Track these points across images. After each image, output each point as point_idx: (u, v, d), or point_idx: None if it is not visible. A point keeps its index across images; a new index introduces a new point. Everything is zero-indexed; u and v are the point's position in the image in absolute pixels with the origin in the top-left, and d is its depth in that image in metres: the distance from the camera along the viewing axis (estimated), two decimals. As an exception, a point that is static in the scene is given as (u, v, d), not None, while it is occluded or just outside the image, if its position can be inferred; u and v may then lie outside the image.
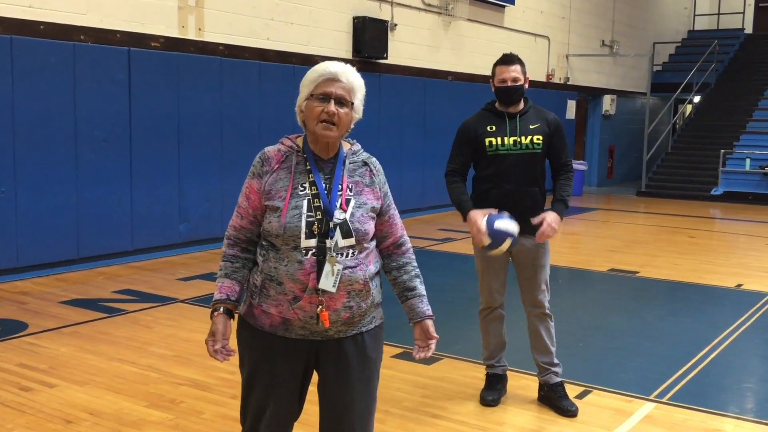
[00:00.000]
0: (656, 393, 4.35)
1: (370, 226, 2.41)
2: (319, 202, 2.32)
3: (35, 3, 6.87)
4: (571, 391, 4.19)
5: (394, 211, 2.53)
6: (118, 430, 3.70)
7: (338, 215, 2.33)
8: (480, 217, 3.65)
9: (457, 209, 3.90)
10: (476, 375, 4.56)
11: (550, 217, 3.88)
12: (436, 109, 12.11)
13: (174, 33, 8.06)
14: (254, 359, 2.41)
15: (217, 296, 2.41)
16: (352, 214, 2.35)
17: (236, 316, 2.48)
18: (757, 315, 6.19)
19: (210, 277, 7.18)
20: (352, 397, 2.41)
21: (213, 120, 8.49)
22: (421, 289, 2.55)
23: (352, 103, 2.37)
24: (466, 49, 12.76)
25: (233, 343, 2.41)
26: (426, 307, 2.54)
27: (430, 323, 2.54)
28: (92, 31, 7.30)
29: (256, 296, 2.38)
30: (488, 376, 4.24)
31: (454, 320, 5.81)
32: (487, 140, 3.94)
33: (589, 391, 4.32)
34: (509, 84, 3.93)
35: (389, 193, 2.52)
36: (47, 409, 3.93)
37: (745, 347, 5.38)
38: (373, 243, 2.46)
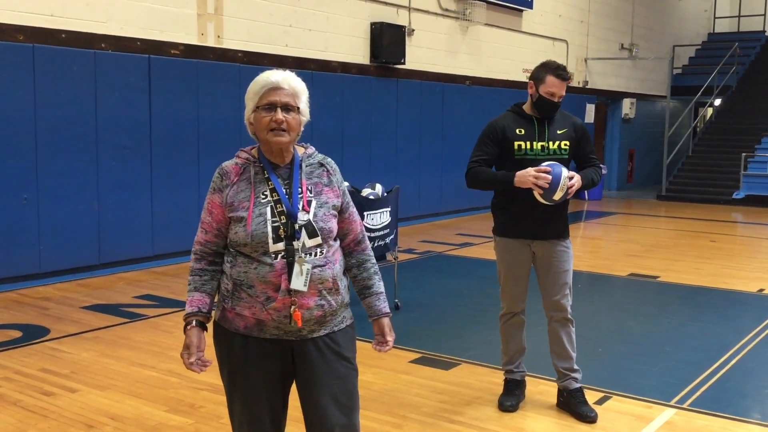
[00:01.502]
0: (677, 399, 4.31)
1: (334, 224, 2.48)
2: (282, 207, 2.39)
3: (57, 12, 6.96)
4: (591, 396, 4.16)
5: (353, 209, 2.60)
6: (139, 435, 3.73)
7: (302, 217, 2.40)
8: (531, 172, 3.70)
9: (499, 182, 3.86)
10: (494, 380, 4.55)
11: (575, 178, 3.86)
12: (454, 114, 12.11)
13: (193, 40, 8.14)
14: (232, 361, 2.46)
15: (188, 309, 2.46)
16: (315, 214, 2.42)
17: (210, 325, 2.53)
18: (780, 320, 6.12)
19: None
20: (331, 393, 2.45)
21: (232, 126, 8.54)
22: (379, 286, 2.62)
23: (298, 108, 2.43)
24: (484, 54, 12.75)
25: (209, 354, 2.45)
26: (383, 305, 2.62)
27: (386, 321, 2.61)
28: (113, 39, 7.38)
29: (228, 300, 2.43)
30: (507, 382, 4.23)
31: (473, 325, 5.80)
32: (516, 143, 3.90)
33: (609, 397, 4.30)
34: (556, 99, 3.88)
35: (347, 191, 2.60)
36: (69, 413, 3.97)
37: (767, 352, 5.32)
38: (338, 242, 2.53)
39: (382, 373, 4.68)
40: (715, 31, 21.77)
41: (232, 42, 8.55)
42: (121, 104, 7.46)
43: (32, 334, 5.42)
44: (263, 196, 2.40)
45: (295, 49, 9.29)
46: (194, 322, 2.44)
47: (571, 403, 4.04)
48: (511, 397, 4.14)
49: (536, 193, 3.76)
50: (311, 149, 2.56)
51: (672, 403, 4.25)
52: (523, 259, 4.02)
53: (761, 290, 7.27)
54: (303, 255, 2.36)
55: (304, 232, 2.38)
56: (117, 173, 7.47)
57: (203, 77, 8.19)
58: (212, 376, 4.54)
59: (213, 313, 2.51)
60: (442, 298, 6.68)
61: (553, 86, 3.86)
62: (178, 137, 8.00)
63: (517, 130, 3.93)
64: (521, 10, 13.41)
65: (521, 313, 4.13)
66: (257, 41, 8.82)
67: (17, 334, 5.42)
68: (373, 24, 10.35)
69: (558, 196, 3.73)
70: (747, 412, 4.17)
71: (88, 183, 7.25)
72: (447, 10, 11.79)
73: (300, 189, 2.43)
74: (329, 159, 2.58)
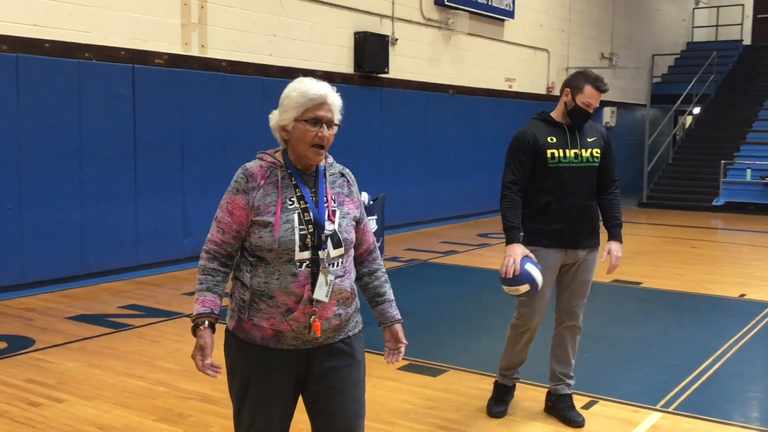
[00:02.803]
0: (662, 403, 4.36)
1: (353, 235, 2.49)
2: (310, 215, 2.37)
3: (40, 21, 6.94)
4: (578, 401, 4.20)
5: (367, 219, 2.61)
6: (128, 444, 3.72)
7: (328, 227, 2.39)
8: (519, 254, 3.67)
9: (504, 231, 3.80)
10: (482, 386, 4.58)
11: (615, 250, 3.94)
12: (438, 123, 12.17)
13: (177, 50, 8.13)
14: (246, 373, 2.41)
15: (200, 310, 2.39)
16: (339, 225, 2.42)
17: (222, 330, 2.50)
18: (761, 324, 6.20)
19: (215, 291, 7.20)
20: (344, 400, 2.46)
21: (216, 135, 8.55)
22: (390, 294, 2.63)
23: (336, 124, 2.44)
24: (467, 63, 12.84)
25: (217, 358, 2.41)
26: (395, 312, 2.62)
27: (399, 327, 2.61)
28: (96, 49, 7.36)
29: (245, 311, 2.39)
30: (498, 386, 4.21)
31: (460, 332, 5.82)
32: (549, 152, 3.84)
33: (596, 402, 4.33)
34: (591, 110, 3.88)
35: (362, 202, 2.62)
36: (56, 424, 3.94)
37: (750, 356, 5.39)
38: (353, 252, 2.54)
39: (371, 380, 4.65)
40: (694, 40, 22.05)
41: (217, 51, 8.55)
42: (105, 114, 7.44)
43: (17, 344, 5.38)
44: (290, 203, 2.38)
45: (280, 58, 9.31)
46: (206, 323, 2.38)
47: (559, 408, 4.07)
48: (501, 403, 4.16)
49: (501, 270, 3.72)
50: (330, 158, 2.55)
51: (658, 407, 4.30)
52: (552, 272, 3.93)
53: (743, 295, 7.37)
54: (327, 265, 2.36)
55: (329, 242, 2.37)
56: (101, 183, 7.44)
57: (187, 87, 8.18)
58: (201, 385, 4.55)
59: (228, 322, 2.47)
60: (429, 305, 6.70)
61: (591, 97, 3.84)
62: (162, 147, 7.99)
63: (549, 138, 3.86)
64: (503, 20, 13.52)
65: (536, 328, 4.03)
66: (241, 50, 8.83)
67: (2, 345, 5.38)
68: (356, 33, 10.40)
69: (516, 290, 3.68)
70: (731, 415, 4.22)
71: (72, 193, 7.21)
72: (430, 19, 11.87)
73: (325, 198, 2.43)
74: (347, 169, 2.59)
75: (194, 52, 8.31)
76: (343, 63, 10.29)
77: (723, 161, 15.20)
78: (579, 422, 3.98)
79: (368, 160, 10.64)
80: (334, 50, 10.15)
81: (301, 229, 2.34)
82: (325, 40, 10.00)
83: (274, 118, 2.46)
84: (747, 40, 21.55)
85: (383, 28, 10.91)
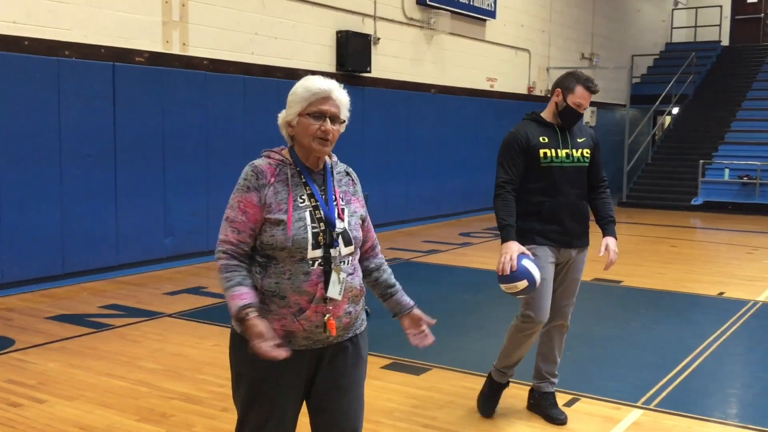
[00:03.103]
0: (643, 400, 4.40)
1: (361, 234, 2.51)
2: (320, 213, 2.38)
3: (20, 19, 6.87)
4: (560, 399, 4.23)
5: (369, 217, 2.63)
6: (110, 445, 3.70)
7: (339, 225, 2.40)
8: (516, 250, 3.65)
9: (499, 229, 3.80)
10: (465, 385, 4.60)
11: (612, 245, 3.99)
12: (420, 122, 12.19)
13: (158, 48, 8.09)
14: (256, 375, 2.39)
15: (241, 303, 2.30)
16: (348, 223, 2.44)
17: (230, 332, 2.50)
18: (740, 322, 6.28)
19: (197, 291, 7.17)
20: (349, 399, 2.47)
21: (198, 134, 8.51)
22: (399, 284, 2.65)
23: (343, 121, 2.45)
24: (449, 63, 12.87)
25: (222, 369, 2.40)
26: (409, 299, 2.64)
27: (418, 310, 2.62)
28: (77, 47, 7.30)
29: None
30: (492, 383, 4.14)
31: (443, 331, 5.82)
32: (542, 152, 3.86)
33: (578, 399, 4.37)
34: (582, 111, 3.90)
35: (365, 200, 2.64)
36: (37, 424, 3.91)
37: (729, 354, 5.46)
38: (359, 250, 2.55)
39: (354, 379, 4.69)
40: (673, 41, 22.25)
41: (198, 50, 8.51)
42: (86, 112, 7.38)
43: (-4, 345, 5.33)
44: (301, 200, 2.38)
45: (262, 57, 9.28)
46: (253, 313, 2.30)
47: (542, 405, 4.09)
48: (493, 401, 4.11)
49: (498, 268, 3.69)
50: (335, 157, 2.56)
51: (639, 404, 4.34)
52: (552, 269, 3.93)
53: (721, 293, 7.45)
54: (339, 263, 2.37)
55: (341, 240, 2.39)
56: (81, 182, 7.38)
57: (168, 85, 8.14)
58: (183, 385, 4.54)
59: (235, 324, 2.43)
60: (411, 304, 6.71)
61: (582, 98, 3.86)
62: (143, 145, 7.93)
63: (541, 138, 3.88)
64: (485, 20, 13.57)
65: (539, 330, 3.99)
66: (223, 49, 8.80)
67: (-19, 345, 5.32)
68: (338, 32, 10.39)
69: (514, 288, 3.65)
70: (710, 411, 4.28)
71: (52, 192, 7.15)
72: (412, 19, 11.88)
73: (334, 196, 2.44)
74: (350, 168, 2.61)
75: (175, 50, 8.27)
76: (325, 62, 10.28)
77: (701, 161, 15.36)
78: (562, 420, 4.01)
79: (350, 159, 10.51)
80: (316, 49, 10.14)
81: (313, 227, 2.35)
82: (307, 38, 9.98)
83: (282, 115, 2.46)
84: (725, 41, 21.79)
85: (365, 27, 10.91)
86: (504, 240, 3.75)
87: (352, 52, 10.40)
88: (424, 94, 12.23)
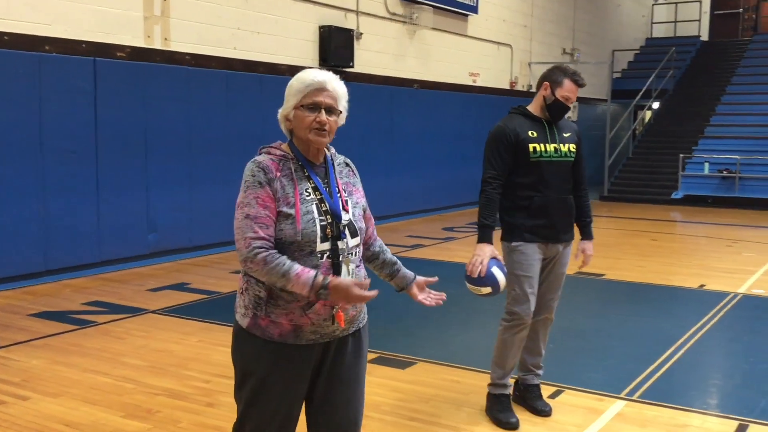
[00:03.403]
0: (626, 391, 4.45)
1: (364, 224, 2.53)
2: (326, 206, 2.39)
3: (-1, 13, 6.81)
4: (544, 391, 4.26)
5: (368, 205, 2.64)
6: (96, 441, 3.69)
7: (345, 216, 2.42)
8: (488, 255, 3.64)
9: (478, 228, 3.80)
10: (450, 378, 4.63)
11: (588, 249, 4.05)
12: (403, 117, 12.20)
13: (140, 43, 8.03)
14: (263, 371, 2.37)
15: (311, 273, 2.25)
16: (353, 214, 2.45)
17: (233, 331, 2.47)
18: (720, 314, 6.35)
19: (180, 287, 7.15)
20: (351, 392, 2.49)
21: (180, 129, 8.46)
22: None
23: (340, 112, 2.45)
24: (431, 58, 12.89)
25: (225, 367, 2.37)
26: (409, 271, 2.71)
27: (420, 277, 2.67)
28: (57, 42, 7.24)
29: (261, 308, 2.35)
30: (498, 397, 4.00)
31: (427, 325, 5.87)
32: (531, 146, 3.83)
33: (562, 391, 4.41)
34: (569, 104, 3.91)
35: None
36: (21, 421, 3.89)
37: (710, 345, 5.52)
38: None
39: (339, 373, 4.71)
40: (653, 36, 22.40)
41: (180, 44, 8.47)
42: (67, 107, 7.32)
43: (-22, 342, 5.28)
44: (307, 194, 2.38)
45: (244, 51, 9.25)
46: (329, 276, 2.27)
47: (527, 397, 4.12)
48: (512, 412, 3.96)
49: (468, 267, 3.70)
50: (333, 149, 2.56)
51: (622, 395, 4.39)
52: (538, 266, 3.93)
53: (702, 286, 7.53)
54: (348, 255, 2.38)
55: (347, 232, 2.40)
56: (62, 177, 7.32)
57: (150, 80, 8.09)
58: (169, 380, 4.53)
59: (240, 320, 2.41)
60: (396, 298, 6.68)
61: (570, 91, 3.88)
62: (125, 141, 7.88)
63: (530, 133, 3.86)
64: (467, 15, 13.59)
65: (529, 324, 3.98)
66: (205, 44, 8.76)
67: (-38, 343, 5.28)
68: (321, 27, 10.37)
69: (477, 291, 3.68)
70: (692, 402, 4.33)
71: (33, 188, 7.09)
72: (394, 14, 11.88)
73: (337, 188, 2.45)
74: (349, 159, 2.61)
75: (157, 45, 8.22)
76: (308, 57, 10.26)
77: (681, 155, 15.49)
78: (546, 412, 4.05)
79: (333, 154, 10.60)
80: (299, 44, 10.12)
81: (321, 220, 2.35)
82: (290, 34, 9.96)
83: (280, 110, 2.48)
84: (704, 36, 21.97)
85: (348, 22, 10.90)
86: (480, 240, 3.74)
87: (335, 48, 10.39)
88: (406, 89, 12.24)
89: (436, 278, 2.64)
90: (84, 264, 7.58)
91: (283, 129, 2.50)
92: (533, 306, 3.93)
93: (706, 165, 15.30)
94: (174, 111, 8.36)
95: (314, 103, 2.39)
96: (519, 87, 15.64)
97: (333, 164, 2.51)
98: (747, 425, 3.97)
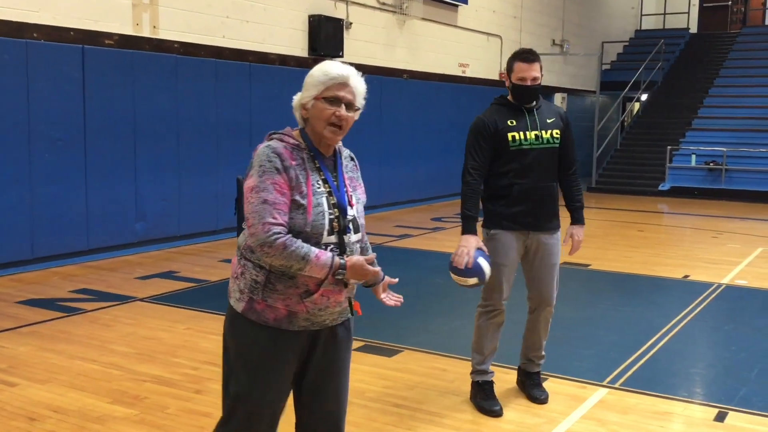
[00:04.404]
0: (609, 379, 4.51)
1: (364, 220, 2.54)
2: (334, 199, 2.39)
3: (-14, 0, 6.77)
4: (529, 378, 4.32)
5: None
6: (83, 426, 3.71)
7: (350, 212, 2.43)
8: (473, 246, 3.70)
9: (461, 218, 3.82)
10: (436, 366, 4.68)
11: (577, 235, 4.06)
12: (392, 107, 12.21)
13: (128, 30, 8.01)
14: (258, 354, 2.39)
15: (328, 255, 2.31)
16: (356, 210, 2.47)
17: (226, 315, 2.48)
18: (704, 304, 6.43)
19: (168, 275, 7.17)
20: (338, 382, 2.52)
21: (169, 118, 8.45)
22: None
23: (358, 108, 2.44)
24: (421, 48, 12.90)
25: (212, 357, 2.40)
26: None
27: (387, 277, 2.65)
28: (45, 29, 7.21)
29: (258, 292, 2.36)
30: (481, 385, 4.05)
31: (414, 314, 5.91)
32: (510, 135, 3.83)
33: (546, 379, 4.45)
34: (528, 83, 3.83)
35: None
36: (9, 407, 3.91)
37: (693, 334, 5.60)
38: None
39: (326, 361, 4.74)
40: (642, 28, 22.45)
41: (169, 33, 8.44)
42: (55, 95, 7.30)
43: (-35, 329, 5.29)
44: (318, 186, 2.37)
45: (233, 40, 9.23)
46: (344, 257, 2.34)
47: (526, 384, 4.18)
48: (494, 399, 4.01)
49: (453, 258, 3.75)
50: (340, 142, 2.54)
51: (605, 383, 4.45)
52: (515, 255, 3.95)
53: (686, 276, 7.61)
54: (350, 250, 2.40)
55: (351, 227, 2.42)
56: (50, 165, 7.31)
57: (139, 68, 8.07)
58: (156, 367, 4.56)
59: (235, 304, 2.42)
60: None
61: (521, 71, 3.82)
62: (113, 129, 7.87)
63: (509, 122, 3.86)
64: (456, 5, 13.60)
65: (504, 311, 4.04)
66: (194, 32, 8.74)
67: (-51, 330, 5.28)
68: (311, 16, 10.36)
69: (462, 281, 3.73)
70: (675, 390, 4.39)
71: (21, 175, 7.08)
72: (384, 4, 11.88)
73: (345, 183, 2.46)
74: (353, 153, 2.61)
75: (146, 33, 8.20)
76: (298, 46, 10.25)
77: (669, 147, 15.59)
78: (541, 399, 4.10)
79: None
80: (289, 33, 10.11)
81: (330, 213, 2.36)
82: (279, 22, 9.94)
83: (296, 97, 2.45)
84: (693, 29, 22.04)
85: (337, 11, 10.89)
86: (464, 231, 3.78)
87: (324, 37, 10.38)
88: (396, 79, 12.25)
89: (396, 280, 2.66)
90: (72, 252, 7.58)
91: (297, 116, 2.47)
92: (507, 293, 3.98)
93: (693, 157, 15.40)
94: (162, 99, 8.35)
95: (336, 97, 2.37)
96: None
97: (341, 158, 2.51)
98: (726, 413, 4.04)
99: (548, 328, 4.19)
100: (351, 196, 2.47)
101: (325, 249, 2.34)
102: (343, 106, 2.38)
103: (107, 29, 7.79)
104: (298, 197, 2.33)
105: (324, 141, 2.43)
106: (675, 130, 16.67)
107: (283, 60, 9.93)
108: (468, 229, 3.77)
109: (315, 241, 2.33)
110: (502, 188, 3.89)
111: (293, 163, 2.35)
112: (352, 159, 2.59)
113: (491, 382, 4.09)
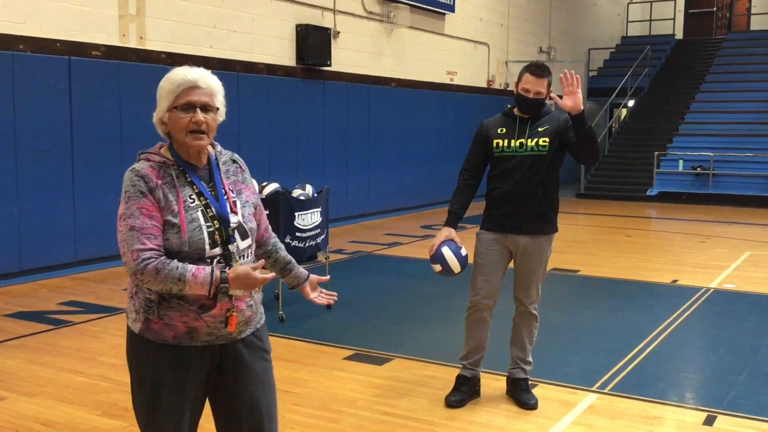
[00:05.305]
0: (598, 384, 4.52)
1: (255, 223, 2.45)
2: (212, 211, 2.30)
3: (-29, 12, 6.75)
4: (518, 385, 4.32)
5: (259, 201, 2.57)
6: (72, 440, 3.69)
7: (233, 219, 2.34)
8: (443, 236, 3.98)
9: (449, 212, 4.13)
10: (426, 374, 4.68)
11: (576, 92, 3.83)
12: (380, 116, 12.24)
13: (115, 41, 8.00)
14: (159, 375, 2.30)
15: (206, 271, 2.21)
16: (242, 215, 2.38)
17: (126, 336, 2.40)
18: (692, 309, 6.46)
19: (157, 286, 7.13)
20: (260, 391, 2.42)
21: (155, 128, 8.42)
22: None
23: (217, 108, 2.35)
24: (408, 56, 12.94)
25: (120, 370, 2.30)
26: (304, 270, 2.67)
27: (314, 275, 2.65)
28: (31, 41, 7.19)
29: (152, 311, 2.28)
30: (457, 377, 4.25)
31: (404, 321, 5.91)
32: (494, 142, 4.06)
33: (535, 385, 4.46)
34: (531, 96, 3.97)
35: (255, 185, 2.59)
36: (-3, 421, 3.89)
37: (681, 339, 5.62)
38: None
39: (317, 370, 4.74)
40: (628, 34, 22.61)
41: (155, 43, 8.44)
42: (41, 107, 7.27)
43: (-48, 343, 5.25)
44: (191, 200, 2.29)
45: (220, 50, 9.23)
46: (224, 269, 2.24)
47: (515, 391, 4.21)
48: (457, 393, 4.18)
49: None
50: (218, 146, 2.47)
51: (594, 388, 4.46)
52: (496, 255, 4.08)
53: (674, 281, 7.65)
54: (238, 258, 2.32)
55: (237, 235, 2.33)
56: (37, 177, 7.28)
57: (125, 79, 8.05)
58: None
59: (132, 325, 2.35)
60: (373, 296, 6.77)
61: (527, 83, 3.96)
62: (100, 140, 7.85)
63: (499, 129, 4.08)
64: (444, 14, 13.66)
65: (486, 310, 4.12)
66: (181, 42, 8.73)
67: (-64, 344, 5.24)
68: (298, 26, 10.37)
69: (434, 268, 3.99)
70: (664, 394, 4.41)
71: (7, 187, 7.04)
72: (371, 12, 11.91)
73: (224, 190, 2.36)
74: (236, 155, 2.53)
75: (132, 43, 8.19)
76: (285, 56, 10.26)
77: (656, 152, 15.68)
78: (531, 405, 4.12)
79: (311, 152, 10.64)
80: (276, 43, 10.12)
81: (208, 227, 2.27)
82: (267, 32, 9.95)
83: (154, 114, 2.36)
84: (679, 35, 22.23)
85: (325, 20, 10.91)
86: (444, 224, 4.06)
87: (312, 46, 10.40)
88: (384, 87, 12.28)
89: (328, 277, 2.64)
90: (60, 264, 7.54)
91: (160, 133, 2.38)
92: (485, 292, 4.11)
93: (681, 162, 15.50)
94: (149, 110, 8.11)
95: (188, 102, 2.29)
96: (496, 85, 15.74)
97: (218, 164, 2.41)
98: (715, 416, 4.06)
99: (532, 330, 4.25)
100: (234, 202, 2.38)
101: (211, 262, 2.26)
102: (199, 110, 2.29)
103: (94, 40, 7.78)
104: (170, 217, 2.25)
105: (192, 151, 2.34)
106: (662, 136, 16.77)
107: (271, 69, 9.94)
108: (446, 222, 4.06)
109: (198, 256, 2.25)
110: (489, 192, 4.15)
111: (159, 182, 2.27)
112: (234, 161, 2.48)
113: (465, 377, 4.21)
